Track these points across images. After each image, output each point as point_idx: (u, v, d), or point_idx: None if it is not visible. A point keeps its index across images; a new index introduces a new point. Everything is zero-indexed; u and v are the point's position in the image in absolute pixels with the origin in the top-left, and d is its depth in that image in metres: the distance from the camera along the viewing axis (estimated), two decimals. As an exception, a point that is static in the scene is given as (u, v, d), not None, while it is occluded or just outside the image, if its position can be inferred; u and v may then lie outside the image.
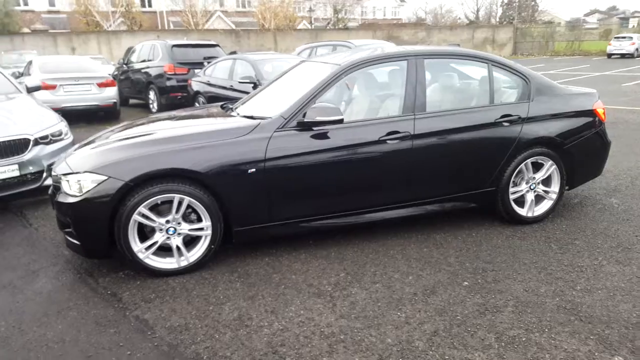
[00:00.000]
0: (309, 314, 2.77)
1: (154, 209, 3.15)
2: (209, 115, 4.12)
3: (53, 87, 10.02)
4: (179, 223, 3.20)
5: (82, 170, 3.11)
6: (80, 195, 3.04)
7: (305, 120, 3.33)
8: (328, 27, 37.90)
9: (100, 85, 10.50)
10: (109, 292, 3.08)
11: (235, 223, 3.31)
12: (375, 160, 3.52)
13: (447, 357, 2.38)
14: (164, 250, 3.25)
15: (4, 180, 4.38)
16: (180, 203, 3.14)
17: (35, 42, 25.01)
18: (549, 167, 4.00)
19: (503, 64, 3.98)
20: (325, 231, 3.73)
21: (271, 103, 3.80)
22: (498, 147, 3.81)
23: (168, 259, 3.24)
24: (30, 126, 4.73)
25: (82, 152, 3.41)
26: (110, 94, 10.63)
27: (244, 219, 3.32)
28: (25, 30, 28.45)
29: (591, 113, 4.17)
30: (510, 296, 2.93)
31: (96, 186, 3.02)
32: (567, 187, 4.25)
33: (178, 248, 3.22)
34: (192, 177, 3.13)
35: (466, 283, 3.11)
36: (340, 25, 36.62)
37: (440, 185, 3.77)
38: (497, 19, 55.59)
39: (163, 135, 3.40)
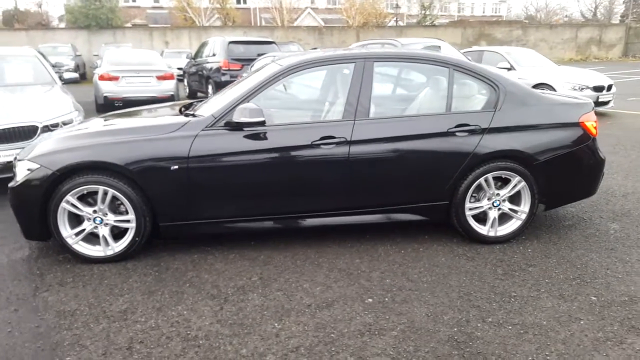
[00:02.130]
0: (190, 315, 2.79)
1: (85, 198, 3.35)
2: (161, 112, 4.19)
3: (116, 79, 10.91)
4: (105, 214, 3.36)
5: (24, 158, 3.38)
6: (18, 181, 3.32)
7: (232, 120, 3.32)
8: (414, 24, 36.94)
9: (159, 78, 11.23)
10: (38, 272, 3.33)
11: (160, 218, 3.41)
12: (307, 165, 3.41)
13: (288, 376, 2.27)
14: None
15: (6, 162, 4.88)
16: (105, 194, 3.30)
17: (134, 35, 27.35)
18: (517, 184, 3.60)
19: (469, 69, 3.64)
20: (254, 233, 3.71)
21: (221, 102, 3.83)
22: (450, 159, 3.51)
23: (97, 247, 3.42)
24: (42, 114, 5.19)
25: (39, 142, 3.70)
26: (169, 86, 11.32)
27: (169, 214, 3.41)
28: (128, 25, 31.18)
29: (576, 126, 3.68)
30: (405, 320, 2.71)
31: (29, 174, 3.28)
32: (543, 208, 3.80)
33: (105, 237, 3.39)
34: (116, 170, 3.27)
35: (370, 300, 2.92)
36: (427, 22, 35.48)
37: (383, 195, 3.56)
38: (619, 18, 50.45)
39: (98, 129, 3.58)
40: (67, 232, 3.34)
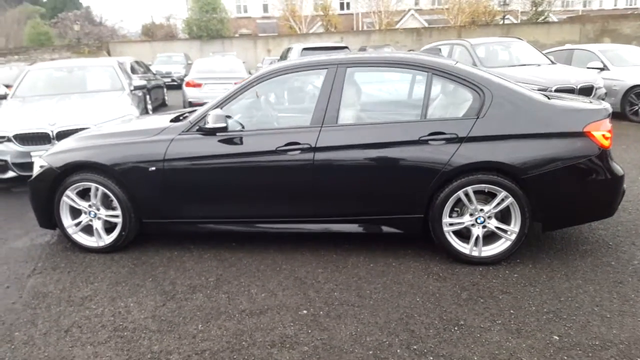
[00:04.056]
0: (134, 307, 2.98)
1: (86, 194, 3.72)
2: (162, 117, 4.38)
3: (199, 85, 11.79)
4: (98, 209, 3.71)
5: (41, 156, 3.88)
6: (33, 176, 3.82)
7: (203, 126, 3.47)
8: (525, 22, 34.33)
9: (237, 84, 11.90)
10: (44, 256, 3.79)
11: (142, 215, 3.67)
12: (273, 171, 3.44)
13: (179, 377, 2.34)
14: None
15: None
16: (97, 191, 3.65)
17: (240, 44, 29.22)
18: (504, 200, 3.26)
19: (451, 73, 3.37)
20: (239, 235, 3.80)
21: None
22: (422, 169, 3.28)
23: (92, 238, 3.79)
24: (97, 117, 5.82)
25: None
26: (247, 91, 11.95)
27: (149, 212, 3.66)
28: (235, 35, 33.37)
29: (580, 135, 3.22)
30: (326, 336, 2.62)
31: (40, 170, 3.75)
32: (541, 229, 3.39)
33: (97, 230, 3.74)
34: (104, 169, 3.60)
35: (304, 312, 2.87)
36: (540, 19, 32.75)
37: (350, 204, 3.45)
38: None
39: (99, 132, 3.96)
40: (68, 222, 3.76)
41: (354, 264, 3.47)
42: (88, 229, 3.77)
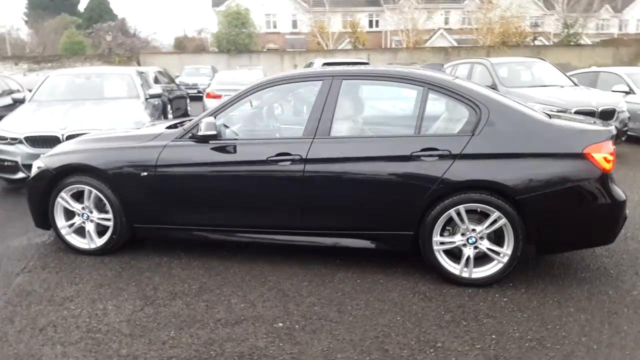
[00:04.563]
0: (112, 310, 2.97)
1: (80, 197, 3.77)
2: (160, 125, 4.43)
3: (219, 97, 11.96)
4: (90, 211, 3.75)
5: (39, 158, 3.95)
6: (30, 177, 3.89)
7: (195, 133, 3.48)
8: (557, 44, 33.83)
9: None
10: (36, 255, 3.84)
11: (134, 219, 3.69)
12: (263, 181, 3.41)
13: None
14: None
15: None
16: (90, 194, 3.69)
17: (267, 59, 29.68)
18: (497, 221, 3.14)
19: (448, 88, 3.30)
20: (230, 243, 3.77)
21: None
22: (414, 185, 3.20)
23: (84, 240, 3.82)
24: (107, 122, 5.92)
25: (63, 144, 4.28)
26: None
27: (140, 217, 3.67)
28: (264, 49, 33.93)
29: (579, 157, 3.08)
30: (296, 351, 2.55)
31: (37, 171, 3.82)
32: (535, 252, 3.25)
33: (89, 232, 3.77)
34: (98, 173, 3.64)
35: (280, 325, 2.80)
36: (572, 41, 32.20)
37: (340, 218, 3.39)
38: None
39: (97, 135, 4.02)
40: (62, 223, 3.80)
41: (341, 279, 3.39)
42: (81, 231, 3.81)
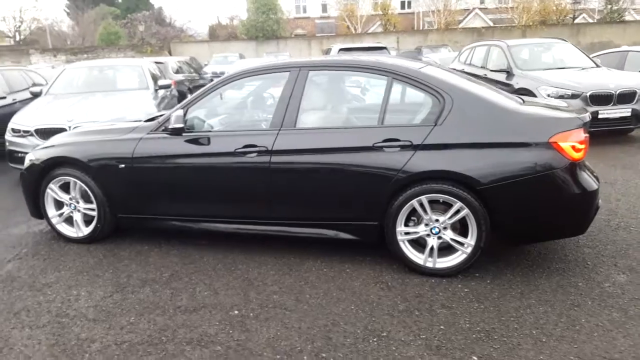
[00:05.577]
0: (84, 296, 3.14)
1: (68, 187, 3.97)
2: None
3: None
4: (77, 202, 3.94)
5: (31, 151, 4.17)
6: (23, 169, 4.11)
7: (167, 126, 3.59)
8: (598, 21, 32.14)
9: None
10: (30, 243, 4.08)
11: (116, 210, 3.85)
12: (231, 172, 3.49)
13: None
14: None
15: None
16: (75, 185, 3.88)
17: (294, 45, 29.63)
18: (459, 211, 3.10)
19: (412, 77, 3.25)
20: (198, 233, 3.87)
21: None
22: (376, 176, 3.20)
23: (73, 229, 4.03)
24: (114, 114, 6.16)
25: (58, 137, 4.49)
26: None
27: (122, 207, 3.84)
28: (292, 35, 33.86)
29: (544, 146, 3.00)
30: (243, 337, 2.63)
31: (29, 163, 4.04)
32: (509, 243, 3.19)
33: (77, 222, 3.97)
34: (81, 165, 3.82)
35: (235, 312, 2.90)
36: (615, 18, 30.48)
37: (306, 209, 3.43)
38: None
39: (84, 129, 4.19)
40: (52, 212, 4.02)
41: (308, 268, 3.45)
42: (70, 220, 4.02)
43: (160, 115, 4.03)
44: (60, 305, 3.03)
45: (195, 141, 3.56)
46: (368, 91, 3.59)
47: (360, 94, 3.53)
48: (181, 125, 3.47)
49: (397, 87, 3.28)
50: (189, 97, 3.73)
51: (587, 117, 3.16)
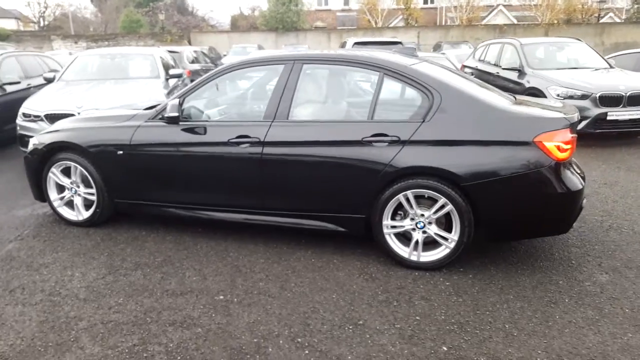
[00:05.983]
0: (79, 277, 3.27)
1: (69, 172, 4.10)
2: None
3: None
4: (78, 186, 4.07)
5: (35, 136, 4.32)
6: (26, 153, 4.26)
7: (164, 115, 3.68)
8: (624, 21, 31.35)
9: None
10: (33, 225, 4.24)
11: (115, 195, 3.98)
12: (225, 161, 3.57)
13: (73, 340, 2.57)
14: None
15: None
16: (76, 169, 4.01)
17: (314, 37, 29.60)
18: (444, 207, 3.14)
19: (403, 73, 3.28)
20: (194, 220, 3.95)
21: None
22: (364, 170, 3.25)
23: (74, 212, 4.17)
24: (122, 101, 6.29)
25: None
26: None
27: (120, 193, 3.96)
28: (313, 27, 33.81)
29: (529, 145, 3.01)
30: (224, 321, 2.72)
31: (32, 147, 4.18)
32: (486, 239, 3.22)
33: (77, 205, 4.11)
34: (81, 150, 3.94)
35: (220, 297, 2.99)
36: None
37: (297, 200, 3.49)
38: None
39: (87, 115, 4.31)
40: (54, 196, 4.17)
41: (297, 257, 3.52)
42: (71, 204, 4.16)
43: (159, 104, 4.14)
44: (54, 285, 3.17)
45: (190, 130, 3.65)
46: (358, 86, 3.63)
47: (370, 88, 3.56)
48: (177, 114, 3.57)
49: (388, 83, 3.32)
50: (186, 87, 3.82)
51: (575, 117, 3.15)
